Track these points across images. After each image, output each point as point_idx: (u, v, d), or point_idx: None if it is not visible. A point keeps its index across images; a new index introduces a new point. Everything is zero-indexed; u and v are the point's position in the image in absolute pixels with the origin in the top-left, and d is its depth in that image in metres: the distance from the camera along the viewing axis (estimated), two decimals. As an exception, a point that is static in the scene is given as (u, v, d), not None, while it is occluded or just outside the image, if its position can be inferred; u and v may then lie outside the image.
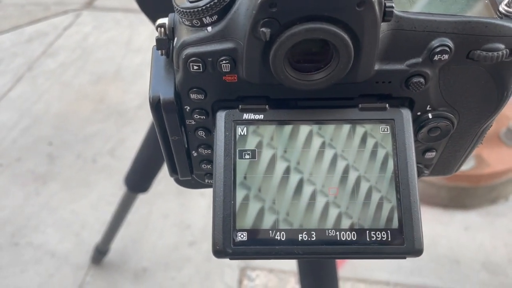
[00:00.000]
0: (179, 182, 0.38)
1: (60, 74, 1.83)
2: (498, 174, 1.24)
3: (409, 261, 1.17)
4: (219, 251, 0.27)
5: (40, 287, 1.14)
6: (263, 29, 0.24)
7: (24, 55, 1.93)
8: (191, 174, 0.36)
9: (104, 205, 1.31)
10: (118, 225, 1.07)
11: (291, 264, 0.79)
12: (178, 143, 0.32)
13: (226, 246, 0.27)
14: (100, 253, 1.15)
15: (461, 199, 1.28)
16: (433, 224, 1.26)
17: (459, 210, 1.29)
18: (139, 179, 0.91)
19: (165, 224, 1.27)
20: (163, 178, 1.32)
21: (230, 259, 0.27)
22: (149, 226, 1.27)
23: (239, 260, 1.18)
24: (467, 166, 1.22)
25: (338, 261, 1.17)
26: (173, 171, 0.36)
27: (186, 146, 0.33)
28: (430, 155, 0.34)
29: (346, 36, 0.25)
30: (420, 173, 0.36)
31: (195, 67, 0.27)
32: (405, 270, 1.15)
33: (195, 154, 0.34)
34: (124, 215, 1.04)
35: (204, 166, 0.35)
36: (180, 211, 1.31)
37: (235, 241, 0.27)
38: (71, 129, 1.58)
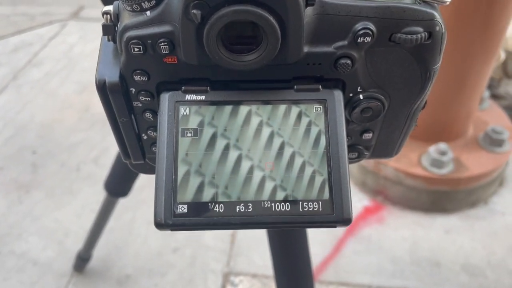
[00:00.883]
0: (134, 166, 0.39)
1: (45, 83, 1.83)
2: (477, 178, 1.26)
3: (391, 264, 1.18)
4: (160, 223, 0.28)
5: (21, 295, 1.14)
6: (194, 11, 0.26)
7: (9, 64, 1.94)
8: (144, 159, 0.37)
9: (88, 213, 1.31)
10: (99, 231, 1.07)
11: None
12: (127, 125, 0.34)
13: (166, 218, 0.28)
14: (82, 260, 1.15)
15: (441, 202, 1.30)
16: (414, 227, 1.28)
17: (439, 214, 1.31)
18: (118, 184, 0.92)
19: (149, 231, 1.28)
20: (147, 185, 1.33)
21: (171, 230, 0.29)
22: (132, 232, 1.27)
23: (222, 265, 1.18)
24: (446, 169, 1.24)
25: (319, 265, 1.18)
26: (125, 155, 0.37)
27: (137, 129, 0.35)
28: (367, 136, 0.36)
29: (271, 18, 0.26)
30: (360, 155, 0.38)
31: (136, 49, 0.29)
32: (387, 273, 1.17)
33: (145, 137, 0.36)
34: (105, 220, 1.04)
35: (155, 149, 0.36)
36: (164, 217, 1.31)
37: (175, 213, 0.29)
38: (55, 138, 1.58)
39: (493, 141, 1.30)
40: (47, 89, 1.81)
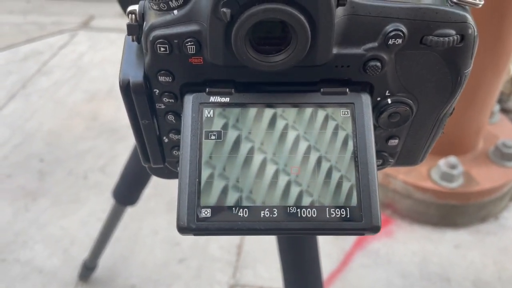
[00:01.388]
0: (152, 171, 0.39)
1: (54, 92, 1.84)
2: (487, 192, 1.25)
3: (399, 279, 1.17)
4: (183, 227, 0.28)
5: (26, 304, 1.13)
6: (223, 9, 0.26)
7: (18, 73, 1.95)
8: (164, 162, 0.37)
9: (94, 221, 1.30)
10: (106, 240, 1.06)
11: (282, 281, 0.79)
12: (148, 127, 0.33)
13: (190, 222, 0.28)
14: (88, 269, 1.14)
15: (451, 217, 1.28)
16: (424, 242, 1.26)
17: (449, 228, 1.29)
18: (127, 192, 0.91)
19: (155, 241, 1.27)
20: (154, 195, 1.32)
21: (194, 234, 0.28)
22: (138, 242, 1.26)
23: (228, 277, 1.17)
24: (456, 183, 1.23)
25: (327, 279, 1.16)
26: (145, 158, 0.37)
27: (158, 132, 0.34)
28: (393, 142, 0.36)
29: (302, 17, 0.26)
30: (385, 162, 0.37)
31: (162, 49, 0.28)
32: (396, 288, 1.15)
33: (166, 140, 0.35)
34: (112, 229, 1.03)
35: (176, 152, 0.36)
36: (170, 227, 1.30)
37: (199, 217, 0.28)
38: (63, 146, 1.58)
39: (503, 155, 1.29)
40: (56, 97, 1.82)
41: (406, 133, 0.35)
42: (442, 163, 1.23)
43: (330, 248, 1.23)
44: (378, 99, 0.32)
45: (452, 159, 1.23)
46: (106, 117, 1.71)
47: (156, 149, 0.35)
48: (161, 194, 1.35)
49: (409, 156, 0.38)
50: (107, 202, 1.30)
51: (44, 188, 1.42)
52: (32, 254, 1.24)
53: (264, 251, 1.22)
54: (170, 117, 0.33)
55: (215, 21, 0.27)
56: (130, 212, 1.07)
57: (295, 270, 0.61)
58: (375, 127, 0.33)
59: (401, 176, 1.26)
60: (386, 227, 1.30)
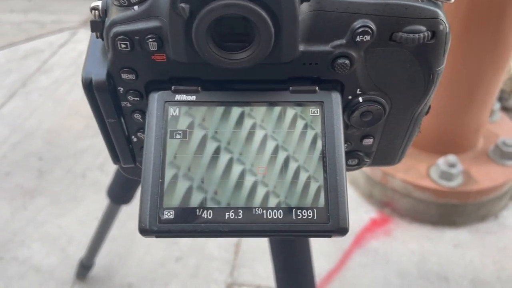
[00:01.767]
0: (124, 170, 0.38)
1: (54, 90, 1.84)
2: (486, 191, 1.24)
3: (398, 278, 1.16)
4: (145, 229, 0.27)
5: (23, 302, 1.13)
6: (182, 4, 0.25)
7: (18, 71, 1.95)
8: (134, 162, 0.36)
9: (92, 220, 1.30)
10: (102, 238, 1.06)
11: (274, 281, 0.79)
12: (115, 126, 0.33)
13: (151, 224, 0.27)
14: (84, 268, 1.13)
15: (450, 216, 1.28)
16: (423, 241, 1.25)
17: (448, 227, 1.28)
18: (121, 191, 0.91)
19: (152, 240, 1.26)
20: (152, 193, 1.32)
21: (156, 237, 0.28)
22: (135, 241, 1.26)
23: (225, 276, 1.17)
24: (456, 182, 1.22)
25: (324, 278, 1.15)
26: (115, 158, 0.36)
27: (126, 131, 0.34)
28: (367, 141, 0.35)
29: (264, 13, 0.25)
30: (361, 162, 0.37)
31: (123, 46, 0.28)
32: (394, 287, 1.14)
33: (135, 140, 0.35)
34: (108, 228, 1.03)
35: None
36: (168, 226, 1.30)
37: (161, 219, 0.27)
38: (62, 144, 1.58)
39: (503, 154, 1.28)
40: (56, 96, 1.82)
41: (381, 132, 0.35)
42: (441, 161, 1.23)
43: (328, 247, 1.23)
44: (349, 97, 0.31)
45: (452, 157, 1.22)
46: (105, 116, 1.70)
47: (125, 149, 0.35)
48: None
49: (385, 156, 0.37)
50: (105, 201, 1.30)
51: (43, 187, 1.42)
52: (30, 252, 1.24)
53: (262, 249, 1.21)
54: (137, 116, 0.32)
55: (174, 17, 0.26)
56: (126, 210, 1.06)
57: (287, 270, 0.61)
58: (348, 126, 0.33)
59: (400, 174, 1.25)
60: (385, 226, 1.29)
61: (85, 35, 2.20)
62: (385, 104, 0.31)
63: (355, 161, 0.37)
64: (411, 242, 1.25)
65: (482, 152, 1.33)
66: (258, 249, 1.23)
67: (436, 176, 1.23)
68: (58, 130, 1.64)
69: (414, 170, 1.26)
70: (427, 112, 0.34)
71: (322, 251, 1.21)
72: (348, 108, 0.32)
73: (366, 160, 0.37)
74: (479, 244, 1.24)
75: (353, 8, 0.27)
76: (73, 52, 2.08)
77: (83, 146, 1.57)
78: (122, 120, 0.33)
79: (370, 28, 0.27)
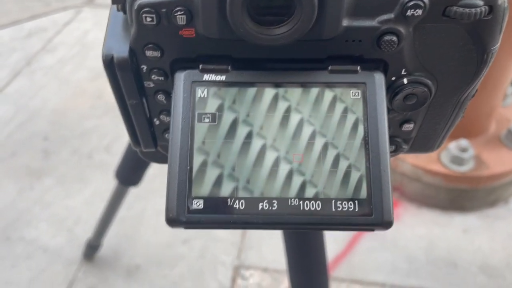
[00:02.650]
0: (144, 155, 0.37)
1: (59, 69, 1.82)
2: (498, 177, 1.22)
3: (406, 263, 1.15)
4: (172, 219, 0.26)
5: (30, 282, 1.13)
6: None
7: (22, 50, 1.93)
8: (155, 146, 0.34)
9: (99, 201, 1.30)
10: (109, 219, 1.05)
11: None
12: (137, 108, 0.31)
13: (180, 214, 0.26)
14: (91, 248, 1.13)
15: (460, 201, 1.26)
16: (431, 226, 1.24)
17: (458, 212, 1.27)
18: (129, 172, 0.90)
19: (159, 221, 1.26)
20: (159, 175, 1.31)
21: (185, 228, 0.26)
22: (143, 223, 1.26)
23: (233, 258, 1.16)
24: (467, 167, 1.20)
25: (332, 261, 1.15)
26: (135, 142, 0.34)
27: (148, 113, 0.32)
28: (408, 127, 0.33)
29: None
30: (398, 148, 0.35)
31: (148, 19, 0.25)
32: (402, 272, 1.13)
33: (157, 122, 0.32)
34: (115, 209, 1.03)
35: (168, 136, 0.33)
36: (175, 208, 1.29)
37: (190, 209, 0.26)
38: (67, 125, 1.57)
39: (516, 139, 1.26)
40: (61, 75, 1.80)
41: (423, 117, 0.32)
42: (453, 146, 1.21)
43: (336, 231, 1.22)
44: (393, 78, 0.29)
45: (463, 142, 1.20)
46: (111, 96, 1.67)
47: (146, 132, 0.33)
48: (166, 174, 1.33)
49: (425, 142, 0.35)
50: (112, 182, 1.29)
51: (49, 167, 1.42)
52: (37, 233, 1.24)
53: (269, 232, 1.21)
54: (161, 97, 0.30)
55: None
56: (134, 191, 1.05)
57: (300, 256, 0.59)
58: (389, 110, 0.30)
59: (410, 159, 1.23)
60: (394, 210, 1.28)
61: (89, 14, 2.17)
62: (431, 86, 0.29)
63: (393, 148, 0.34)
64: (420, 227, 1.24)
65: (494, 137, 1.30)
66: (265, 232, 1.22)
67: (447, 161, 1.21)
68: (64, 110, 1.63)
69: (424, 155, 1.24)
70: (473, 95, 0.32)
71: (330, 235, 1.20)
72: (391, 90, 0.29)
73: (404, 146, 0.34)
74: (488, 229, 1.23)
75: None
76: (78, 31, 2.05)
77: (89, 126, 1.56)
78: (144, 101, 0.31)
79: (422, 1, 0.25)
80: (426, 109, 0.32)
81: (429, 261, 1.16)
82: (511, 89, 1.43)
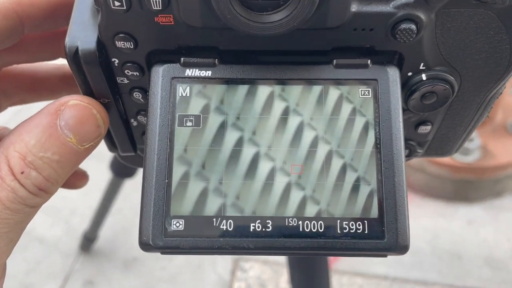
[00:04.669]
0: (123, 159, 0.33)
1: (55, 56, 1.79)
2: (504, 167, 1.19)
3: (409, 255, 1.13)
4: (147, 244, 0.22)
5: (27, 274, 1.11)
6: None
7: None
8: (135, 150, 0.30)
9: (95, 192, 1.27)
10: (105, 211, 1.03)
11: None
12: (110, 108, 0.26)
13: (156, 237, 0.22)
14: (88, 240, 1.11)
15: (465, 192, 1.23)
16: (436, 217, 1.21)
17: (462, 204, 1.24)
18: (124, 164, 0.87)
19: (157, 212, 1.23)
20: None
21: (161, 253, 0.22)
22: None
23: (233, 251, 1.14)
24: (472, 157, 1.17)
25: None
26: (111, 145, 0.30)
27: (124, 113, 0.28)
28: (424, 129, 0.28)
29: None
30: (412, 152, 0.30)
31: (117, 3, 0.21)
32: (405, 265, 1.11)
33: (135, 124, 0.28)
34: (111, 201, 1.00)
35: None
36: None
37: (167, 230, 0.22)
38: (64, 113, 1.54)
39: (523, 128, 1.23)
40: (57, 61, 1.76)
41: (442, 117, 0.28)
42: (458, 135, 1.17)
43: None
44: (409, 74, 0.25)
45: (469, 131, 1.17)
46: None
47: (123, 135, 0.29)
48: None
49: (442, 145, 0.30)
50: (108, 172, 1.27)
51: (45, 156, 1.39)
52: (33, 224, 1.21)
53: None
54: (137, 95, 0.26)
55: None
56: (131, 183, 1.02)
57: (302, 262, 0.56)
58: (403, 110, 0.26)
59: (414, 148, 1.20)
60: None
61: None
62: (454, 83, 0.25)
63: (406, 152, 0.30)
64: (424, 218, 1.21)
65: (500, 126, 1.27)
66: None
67: (452, 151, 1.18)
68: (60, 98, 1.60)
69: (429, 144, 1.21)
70: (501, 93, 0.27)
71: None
72: (407, 87, 0.25)
73: (419, 150, 0.30)
74: (493, 221, 1.21)
75: None
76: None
77: (86, 115, 1.53)
78: (119, 99, 0.27)
79: None
80: (446, 109, 0.27)
81: (433, 253, 1.14)
82: (519, 76, 1.39)
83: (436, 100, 0.25)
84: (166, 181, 0.22)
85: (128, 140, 0.29)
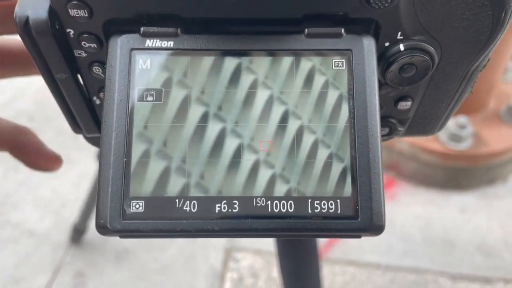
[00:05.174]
0: (90, 140, 0.31)
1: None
2: (496, 154, 1.19)
3: (402, 243, 1.13)
4: (103, 227, 0.21)
5: (17, 266, 1.10)
6: None
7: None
8: (99, 130, 0.29)
9: (85, 183, 1.26)
10: (95, 202, 1.01)
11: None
12: (68, 84, 0.25)
13: (113, 220, 0.21)
14: (78, 232, 1.10)
15: (457, 179, 1.23)
16: (428, 205, 1.21)
17: (455, 191, 1.24)
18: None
19: (149, 203, 1.22)
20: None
21: (120, 237, 0.21)
22: (132, 204, 1.22)
23: (224, 241, 1.13)
24: (465, 145, 1.17)
25: (326, 242, 1.12)
26: (75, 125, 0.28)
27: (86, 90, 0.27)
28: (404, 105, 0.27)
29: None
30: (392, 131, 0.29)
31: None
32: (397, 252, 1.11)
33: (97, 102, 0.27)
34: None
35: None
36: (165, 189, 1.26)
37: (126, 213, 0.21)
38: (53, 105, 1.51)
39: (516, 115, 1.22)
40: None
41: (423, 92, 0.27)
42: (451, 123, 1.17)
43: (330, 211, 1.19)
44: (386, 44, 0.23)
45: (462, 118, 1.16)
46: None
47: (85, 114, 0.27)
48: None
49: (424, 123, 0.29)
50: (97, 163, 1.25)
51: (34, 148, 1.37)
52: (23, 216, 1.20)
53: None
54: (97, 70, 0.24)
55: None
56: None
57: (291, 253, 0.55)
58: (381, 85, 0.25)
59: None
60: (390, 190, 1.24)
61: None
62: (434, 54, 0.23)
63: (386, 130, 0.29)
64: (416, 206, 1.21)
65: (493, 113, 1.26)
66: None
67: (445, 138, 1.17)
68: (48, 89, 1.57)
69: (421, 132, 1.20)
70: (484, 66, 0.26)
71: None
72: (384, 59, 0.24)
73: (399, 129, 0.29)
74: (486, 208, 1.21)
75: None
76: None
77: (76, 105, 1.51)
78: (78, 75, 0.25)
79: None
80: (427, 83, 0.26)
81: (426, 241, 1.13)
82: (512, 63, 1.38)
83: (416, 73, 0.24)
84: (125, 159, 0.21)
85: (92, 119, 0.28)
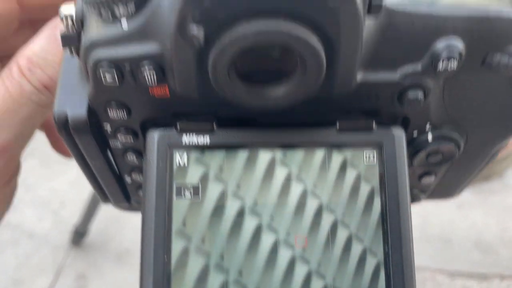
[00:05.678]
0: (117, 206, 0.32)
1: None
2: (493, 151, 1.20)
3: (399, 241, 1.14)
4: None
5: (17, 269, 1.10)
6: (194, 28, 0.17)
7: None
8: (128, 201, 0.29)
9: (85, 183, 1.24)
10: (96, 205, 1.02)
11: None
12: (101, 168, 0.25)
13: None
14: (79, 234, 1.10)
15: (454, 176, 1.24)
16: (424, 202, 1.22)
17: (451, 187, 1.25)
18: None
19: (148, 203, 1.23)
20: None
21: None
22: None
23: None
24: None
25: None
26: (104, 197, 0.29)
27: (117, 170, 0.26)
28: (427, 180, 0.28)
29: (314, 41, 0.17)
30: (415, 199, 0.30)
31: (109, 79, 0.19)
32: (396, 250, 1.12)
33: (129, 181, 0.27)
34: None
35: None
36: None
37: None
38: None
39: (512, 112, 1.23)
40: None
41: (446, 169, 0.27)
42: (448, 121, 1.17)
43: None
44: (415, 134, 0.24)
45: (459, 116, 1.17)
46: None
47: (116, 190, 0.28)
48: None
49: (445, 190, 0.30)
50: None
51: (32, 147, 1.35)
52: (22, 217, 1.20)
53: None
54: (131, 157, 0.25)
55: (182, 44, 0.18)
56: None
57: None
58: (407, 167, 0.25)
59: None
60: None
61: None
62: (460, 141, 0.24)
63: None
64: (413, 203, 1.22)
65: (489, 110, 1.27)
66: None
67: (442, 136, 1.18)
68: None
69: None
70: (506, 144, 0.26)
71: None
72: (412, 147, 0.24)
73: (421, 196, 0.30)
74: (482, 204, 1.22)
75: (436, 22, 0.19)
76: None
77: (72, 103, 1.50)
78: (111, 160, 0.25)
79: (459, 51, 0.19)
80: (451, 163, 0.26)
81: (423, 237, 1.15)
82: None
83: (442, 159, 0.25)
84: (165, 257, 0.21)
85: (122, 194, 0.28)
